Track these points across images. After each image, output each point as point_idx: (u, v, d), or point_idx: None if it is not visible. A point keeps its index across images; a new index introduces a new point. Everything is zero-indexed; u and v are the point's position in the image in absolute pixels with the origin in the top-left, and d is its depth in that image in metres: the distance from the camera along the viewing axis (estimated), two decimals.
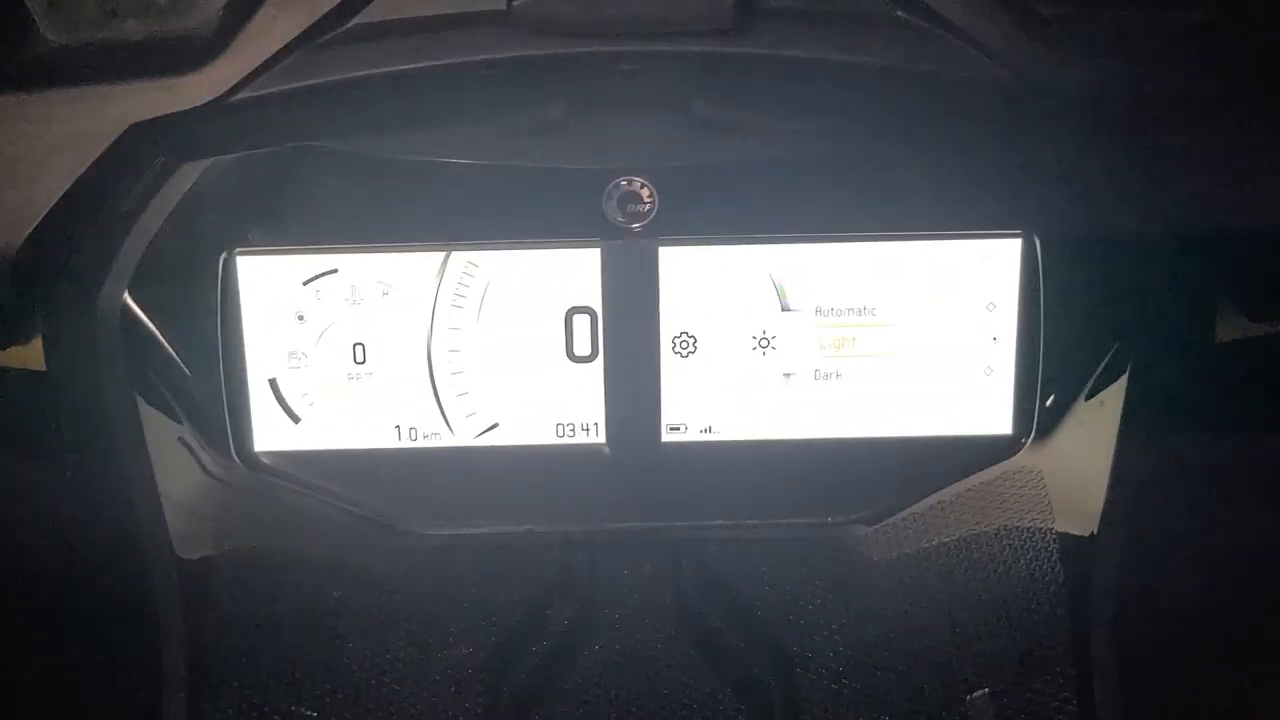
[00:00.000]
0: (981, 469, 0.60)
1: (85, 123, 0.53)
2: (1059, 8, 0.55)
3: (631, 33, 0.53)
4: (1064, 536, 0.58)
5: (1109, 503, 0.58)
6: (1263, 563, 0.59)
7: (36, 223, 0.54)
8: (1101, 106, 0.54)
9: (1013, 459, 0.60)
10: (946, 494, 0.60)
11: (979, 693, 0.55)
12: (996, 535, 0.59)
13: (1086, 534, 0.58)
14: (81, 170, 0.53)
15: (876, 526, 0.60)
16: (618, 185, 0.57)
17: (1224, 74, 0.55)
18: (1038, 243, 0.58)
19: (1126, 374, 0.58)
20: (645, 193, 0.57)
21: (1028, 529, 0.59)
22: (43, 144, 0.53)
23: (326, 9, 0.53)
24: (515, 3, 0.51)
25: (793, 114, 0.56)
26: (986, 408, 0.60)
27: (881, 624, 0.57)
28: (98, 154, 0.53)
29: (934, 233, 0.58)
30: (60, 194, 0.54)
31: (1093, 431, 0.59)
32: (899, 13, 0.55)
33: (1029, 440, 0.60)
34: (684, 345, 0.59)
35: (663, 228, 0.57)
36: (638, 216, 0.57)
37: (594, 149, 0.56)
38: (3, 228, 0.54)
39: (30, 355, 0.60)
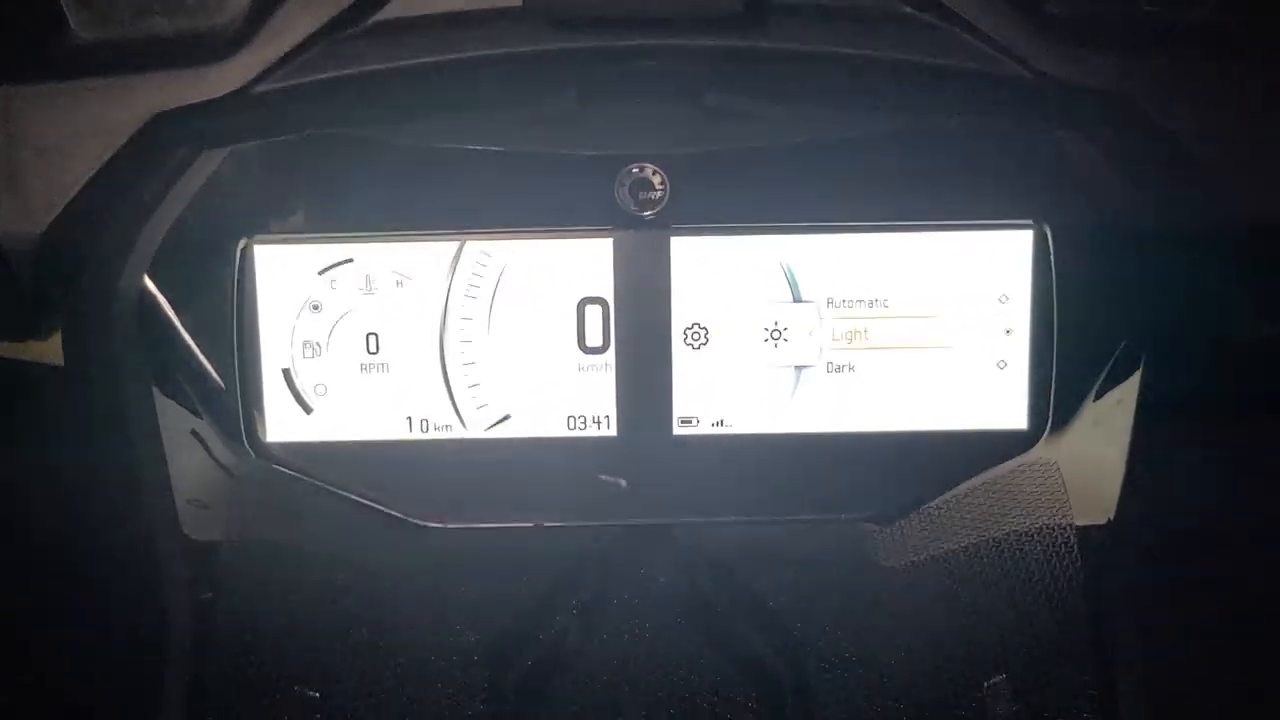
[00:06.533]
0: (997, 464, 0.60)
1: (112, 111, 0.55)
2: (1066, 5, 0.56)
3: (643, 26, 0.55)
4: (1083, 529, 0.57)
5: (1126, 495, 0.57)
6: None
7: (62, 208, 0.55)
8: (1106, 100, 0.55)
9: (1029, 453, 0.59)
10: (961, 489, 0.60)
11: (996, 678, 0.54)
12: (1013, 529, 0.58)
13: (1105, 526, 0.57)
14: (107, 157, 0.55)
15: (891, 525, 0.59)
16: (629, 172, 0.57)
17: (1228, 68, 0.55)
18: (1049, 234, 0.58)
19: (1140, 367, 0.58)
20: (657, 180, 0.57)
21: (1045, 523, 0.58)
22: (70, 132, 0.55)
23: (346, 6, 0.55)
24: None
25: (803, 104, 0.57)
26: (1001, 402, 0.60)
27: (896, 617, 0.56)
28: (123, 142, 0.55)
29: (945, 223, 0.58)
30: (85, 180, 0.55)
31: (1110, 424, 0.58)
32: (908, 9, 0.56)
33: (1045, 434, 0.59)
34: (695, 337, 0.59)
35: (674, 216, 0.58)
36: (649, 204, 0.58)
37: (606, 136, 0.57)
38: (29, 213, 0.55)
39: (48, 350, 0.61)
